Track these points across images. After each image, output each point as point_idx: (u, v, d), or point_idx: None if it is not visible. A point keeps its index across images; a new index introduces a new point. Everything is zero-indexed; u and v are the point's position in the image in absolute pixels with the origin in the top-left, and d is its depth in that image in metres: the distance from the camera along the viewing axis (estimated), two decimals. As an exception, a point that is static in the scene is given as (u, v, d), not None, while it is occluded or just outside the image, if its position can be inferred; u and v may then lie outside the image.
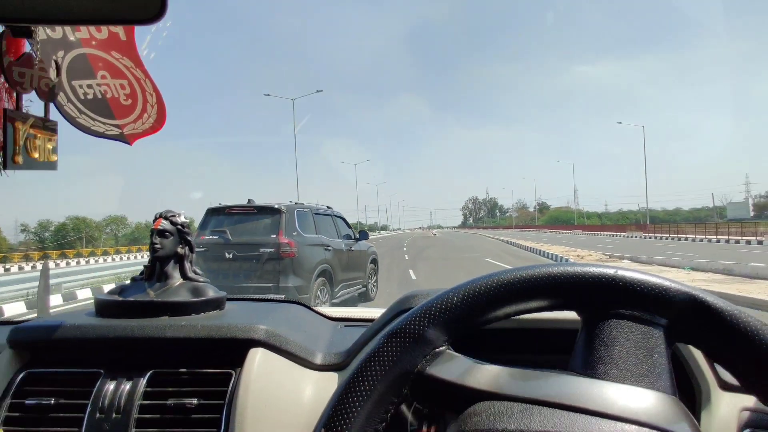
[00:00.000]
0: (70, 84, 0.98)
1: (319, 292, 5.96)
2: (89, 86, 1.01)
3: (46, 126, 0.90)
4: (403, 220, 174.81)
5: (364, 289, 7.77)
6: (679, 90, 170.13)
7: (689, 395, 0.75)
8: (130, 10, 0.67)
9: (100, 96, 1.02)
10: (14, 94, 0.89)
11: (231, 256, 5.62)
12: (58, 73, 0.96)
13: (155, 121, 1.07)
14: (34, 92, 0.91)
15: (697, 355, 0.78)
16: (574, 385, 0.39)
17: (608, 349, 0.40)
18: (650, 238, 35.23)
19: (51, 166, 0.89)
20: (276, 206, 5.86)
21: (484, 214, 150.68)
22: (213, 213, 6.10)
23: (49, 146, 0.89)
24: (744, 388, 0.41)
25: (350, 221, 8.24)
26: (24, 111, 0.89)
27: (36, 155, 0.88)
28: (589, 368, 0.40)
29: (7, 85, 0.88)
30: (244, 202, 6.04)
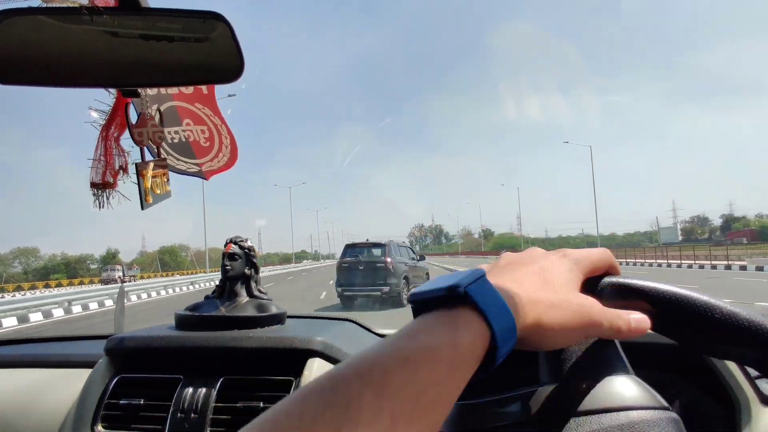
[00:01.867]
0: (160, 130, 1.22)
1: (403, 287, 11.18)
2: (176, 132, 1.24)
3: (160, 164, 1.13)
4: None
5: None
6: (608, 123, 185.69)
7: (730, 411, 0.77)
8: (216, 73, 0.87)
9: (184, 140, 1.25)
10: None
11: (362, 268, 11.18)
12: (160, 122, 1.20)
13: (228, 160, 1.30)
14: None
15: (735, 370, 0.80)
16: (552, 395, 0.41)
17: (564, 353, 0.43)
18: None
19: (168, 195, 1.12)
20: (382, 242, 11.70)
21: (430, 241, 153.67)
22: (349, 246, 11.88)
23: (165, 179, 1.11)
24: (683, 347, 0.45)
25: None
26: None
27: (159, 191, 1.10)
28: (554, 375, 0.43)
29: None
30: (365, 240, 12.22)
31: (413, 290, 0.37)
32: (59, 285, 43.92)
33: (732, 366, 0.81)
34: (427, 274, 13.48)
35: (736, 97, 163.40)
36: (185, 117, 1.26)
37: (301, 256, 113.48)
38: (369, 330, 1.34)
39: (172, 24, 0.81)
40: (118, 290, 1.35)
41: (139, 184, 1.02)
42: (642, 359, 0.93)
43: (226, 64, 0.83)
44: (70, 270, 66.70)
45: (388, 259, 11.12)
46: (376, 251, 11.47)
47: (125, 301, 1.36)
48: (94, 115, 1.15)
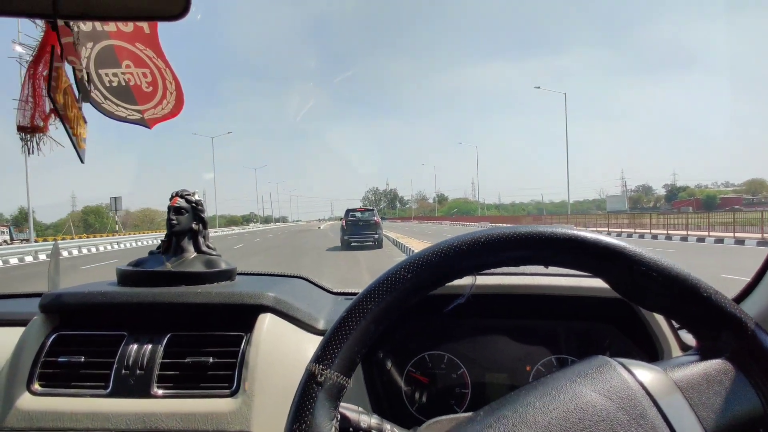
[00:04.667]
0: (96, 72, 1.15)
1: (383, 236, 19.01)
2: (114, 74, 1.17)
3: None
4: (301, 212, 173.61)
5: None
6: (560, 93, 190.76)
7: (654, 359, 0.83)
8: (158, 7, 0.81)
9: (123, 83, 1.19)
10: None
11: (361, 224, 18.26)
12: (87, 64, 1.13)
13: (173, 107, 1.25)
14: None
15: (661, 321, 0.91)
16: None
17: None
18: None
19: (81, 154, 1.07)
20: (371, 207, 20.42)
21: (384, 205, 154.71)
22: (350, 210, 19.09)
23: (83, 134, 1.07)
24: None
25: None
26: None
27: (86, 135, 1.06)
28: None
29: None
30: (360, 206, 26.62)
31: None
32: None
33: (659, 318, 0.90)
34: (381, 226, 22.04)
35: (676, 72, 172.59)
36: (125, 58, 1.19)
37: (249, 219, 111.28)
38: (321, 288, 1.35)
39: None
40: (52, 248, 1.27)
41: (66, 128, 0.97)
42: (583, 312, 1.03)
43: None
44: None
45: (376, 218, 18.43)
46: (368, 213, 18.80)
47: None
48: (19, 49, 1.08)
